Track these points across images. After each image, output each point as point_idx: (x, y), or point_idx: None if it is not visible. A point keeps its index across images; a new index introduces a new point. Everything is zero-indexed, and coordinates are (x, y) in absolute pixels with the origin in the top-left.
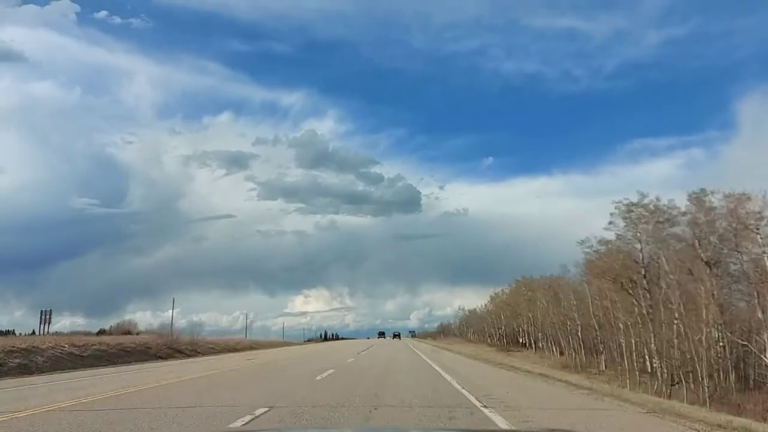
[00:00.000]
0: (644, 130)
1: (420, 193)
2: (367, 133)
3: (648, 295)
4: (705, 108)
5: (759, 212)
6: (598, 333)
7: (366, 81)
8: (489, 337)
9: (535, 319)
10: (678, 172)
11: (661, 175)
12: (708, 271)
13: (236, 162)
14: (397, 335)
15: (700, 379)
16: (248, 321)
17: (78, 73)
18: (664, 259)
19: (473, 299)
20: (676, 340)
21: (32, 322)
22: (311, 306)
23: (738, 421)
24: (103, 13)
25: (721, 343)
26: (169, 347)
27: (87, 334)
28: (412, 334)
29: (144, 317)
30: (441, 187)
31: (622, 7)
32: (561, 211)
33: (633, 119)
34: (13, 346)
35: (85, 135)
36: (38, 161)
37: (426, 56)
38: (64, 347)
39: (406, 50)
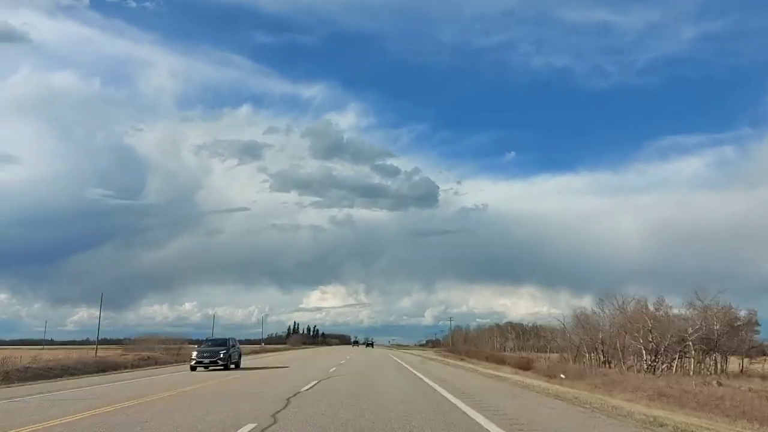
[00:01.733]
0: (674, 128)
1: (438, 187)
2: (388, 127)
3: None
4: (738, 105)
5: None
6: None
7: (390, 75)
8: None
9: None
10: (707, 170)
11: (689, 174)
12: None
13: (249, 152)
14: (369, 344)
15: None
16: (263, 316)
17: (96, 61)
18: None
19: (490, 298)
20: None
21: (49, 314)
22: (327, 302)
23: None
24: None
25: None
26: None
27: None
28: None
29: (161, 310)
30: (458, 182)
31: (658, 0)
32: (584, 208)
33: (663, 116)
34: None
35: (102, 126)
36: (53, 152)
37: (453, 50)
38: None
39: (434, 44)
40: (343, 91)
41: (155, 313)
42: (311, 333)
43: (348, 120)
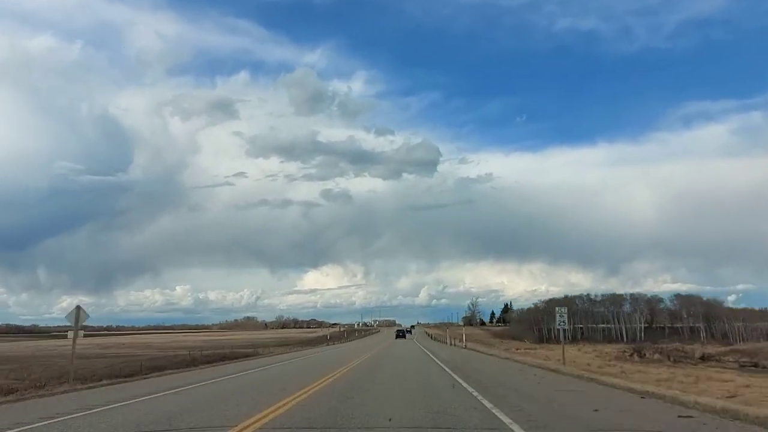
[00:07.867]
0: (700, 93)
1: (441, 155)
2: (399, 95)
3: None
4: None
5: None
6: None
7: (405, 40)
8: None
9: None
10: (731, 137)
11: (712, 142)
12: None
13: (222, 109)
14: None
15: None
16: (254, 299)
17: (81, 24)
18: None
19: (488, 276)
20: None
21: (36, 302)
22: (321, 283)
23: None
24: None
25: None
26: None
27: None
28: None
29: (152, 295)
30: (458, 149)
31: None
32: (597, 180)
33: (689, 81)
34: None
35: (82, 94)
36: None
37: (474, 12)
38: None
39: (454, 6)
40: (352, 55)
41: (147, 299)
42: None
43: (356, 87)
